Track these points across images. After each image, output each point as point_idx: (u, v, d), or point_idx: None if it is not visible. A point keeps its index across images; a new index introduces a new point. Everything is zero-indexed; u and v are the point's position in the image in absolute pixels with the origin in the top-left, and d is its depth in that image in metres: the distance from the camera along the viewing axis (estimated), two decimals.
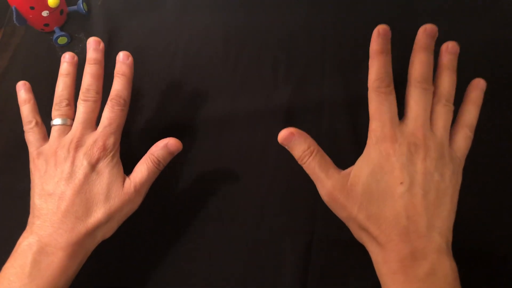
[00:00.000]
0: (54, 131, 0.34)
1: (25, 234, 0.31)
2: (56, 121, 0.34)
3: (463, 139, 0.31)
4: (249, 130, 0.40)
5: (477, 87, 0.33)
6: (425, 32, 0.32)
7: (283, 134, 0.31)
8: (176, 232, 0.37)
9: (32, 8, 0.42)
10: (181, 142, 0.37)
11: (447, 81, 0.31)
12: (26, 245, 0.29)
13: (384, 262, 0.28)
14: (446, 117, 0.31)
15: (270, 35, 0.43)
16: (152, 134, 0.40)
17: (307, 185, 0.37)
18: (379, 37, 0.31)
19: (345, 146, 0.38)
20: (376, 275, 0.32)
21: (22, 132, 0.39)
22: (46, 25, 0.45)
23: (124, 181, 0.32)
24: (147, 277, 0.36)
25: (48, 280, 0.29)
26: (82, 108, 0.34)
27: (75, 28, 0.47)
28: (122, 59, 0.35)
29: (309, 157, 0.31)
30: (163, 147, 0.33)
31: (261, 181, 0.38)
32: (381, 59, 0.31)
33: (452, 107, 0.31)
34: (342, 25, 0.43)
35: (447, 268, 0.27)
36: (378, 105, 0.30)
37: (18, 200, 0.39)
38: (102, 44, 0.36)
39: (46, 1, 0.42)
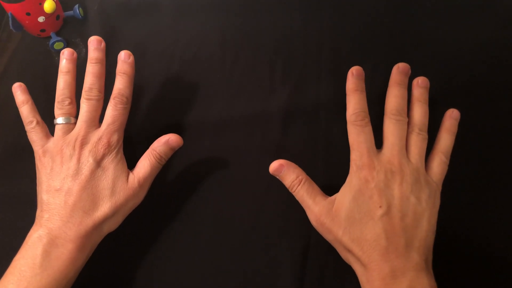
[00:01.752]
0: (58, 130, 0.35)
1: (34, 227, 0.32)
2: (60, 120, 0.35)
3: (438, 164, 0.34)
4: (246, 133, 0.40)
5: (451, 117, 0.35)
6: (398, 70, 0.35)
7: (274, 166, 0.34)
8: (172, 235, 0.37)
9: (28, 14, 0.42)
10: None
11: (419, 112, 0.34)
12: (37, 237, 0.30)
13: (367, 282, 0.30)
14: (420, 145, 0.33)
15: (267, 38, 0.43)
16: (150, 137, 0.40)
17: None
18: (353, 77, 0.35)
19: (341, 148, 0.38)
20: None
21: (19, 137, 0.39)
22: (43, 30, 0.45)
23: (128, 176, 0.34)
24: (144, 278, 0.36)
25: (60, 270, 0.30)
26: (85, 107, 0.34)
27: (71, 33, 0.47)
28: (124, 58, 0.36)
29: (298, 185, 0.33)
30: (165, 143, 0.35)
31: (258, 183, 0.38)
32: (356, 96, 0.34)
33: (425, 135, 0.34)
34: (338, 28, 0.43)
35: (425, 285, 0.28)
36: (356, 136, 0.33)
37: (15, 205, 0.39)
38: (103, 43, 0.36)
39: (42, 7, 0.42)
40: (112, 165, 0.33)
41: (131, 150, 0.36)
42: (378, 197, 0.31)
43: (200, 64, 0.43)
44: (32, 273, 0.29)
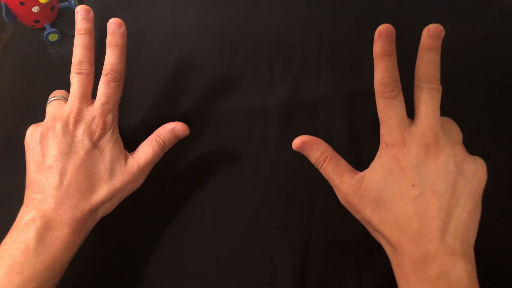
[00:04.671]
0: (49, 106, 0.34)
1: (25, 209, 0.30)
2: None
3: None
4: (245, 128, 0.39)
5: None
6: (428, 33, 0.31)
7: (296, 143, 0.32)
8: (170, 231, 0.37)
9: (22, 3, 0.41)
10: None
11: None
12: (29, 219, 0.29)
13: (398, 265, 0.29)
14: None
15: (266, 32, 0.43)
16: (146, 132, 0.40)
17: (304, 184, 0.37)
18: (380, 39, 0.31)
19: (342, 143, 0.38)
20: (374, 275, 0.32)
21: (11, 131, 0.38)
22: (37, 21, 0.44)
23: (126, 158, 0.32)
24: (141, 276, 0.35)
25: (54, 255, 0.29)
26: (76, 82, 0.32)
27: (66, 25, 0.46)
28: (114, 28, 0.32)
29: (323, 163, 0.31)
30: (171, 131, 0.33)
31: (258, 180, 0.37)
32: (384, 63, 0.30)
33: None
34: (339, 22, 0.42)
35: (460, 270, 0.26)
36: (384, 109, 0.30)
37: (13, 201, 0.38)
38: (92, 13, 0.33)
39: None
40: (108, 146, 0.32)
41: (126, 145, 0.35)
42: (410, 176, 0.28)
43: (198, 59, 0.42)
44: (25, 258, 0.28)
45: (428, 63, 0.30)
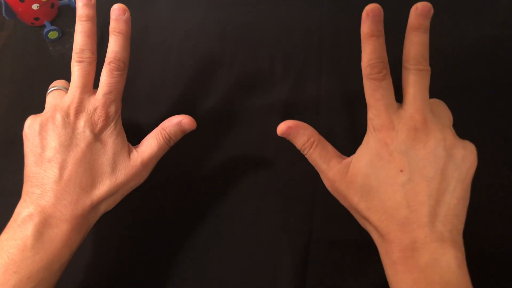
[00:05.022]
0: (49, 97, 0.32)
1: (23, 204, 0.29)
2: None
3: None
4: (245, 127, 0.39)
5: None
6: (416, 12, 0.29)
7: (281, 128, 0.31)
8: (170, 231, 0.37)
9: (21, 1, 0.41)
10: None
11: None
12: (27, 215, 0.28)
13: (386, 253, 0.28)
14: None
15: (267, 31, 0.43)
16: (147, 132, 0.40)
17: (305, 184, 0.37)
18: (368, 20, 0.29)
19: (342, 143, 0.38)
20: (374, 275, 0.32)
21: (13, 128, 0.38)
22: (36, 19, 0.43)
23: (129, 151, 0.31)
24: (141, 275, 0.35)
25: (53, 253, 0.27)
26: (77, 71, 0.31)
27: (66, 23, 0.45)
28: (118, 14, 0.31)
29: (309, 149, 0.30)
30: (177, 124, 0.32)
31: (258, 179, 0.37)
32: (372, 44, 0.29)
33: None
34: (339, 21, 0.42)
35: (450, 258, 0.25)
36: (372, 92, 0.29)
37: (12, 200, 0.38)
38: None
39: None
40: (111, 139, 0.30)
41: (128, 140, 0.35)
42: (399, 160, 0.27)
43: (198, 58, 0.42)
44: (23, 256, 0.26)
45: (416, 43, 0.29)
